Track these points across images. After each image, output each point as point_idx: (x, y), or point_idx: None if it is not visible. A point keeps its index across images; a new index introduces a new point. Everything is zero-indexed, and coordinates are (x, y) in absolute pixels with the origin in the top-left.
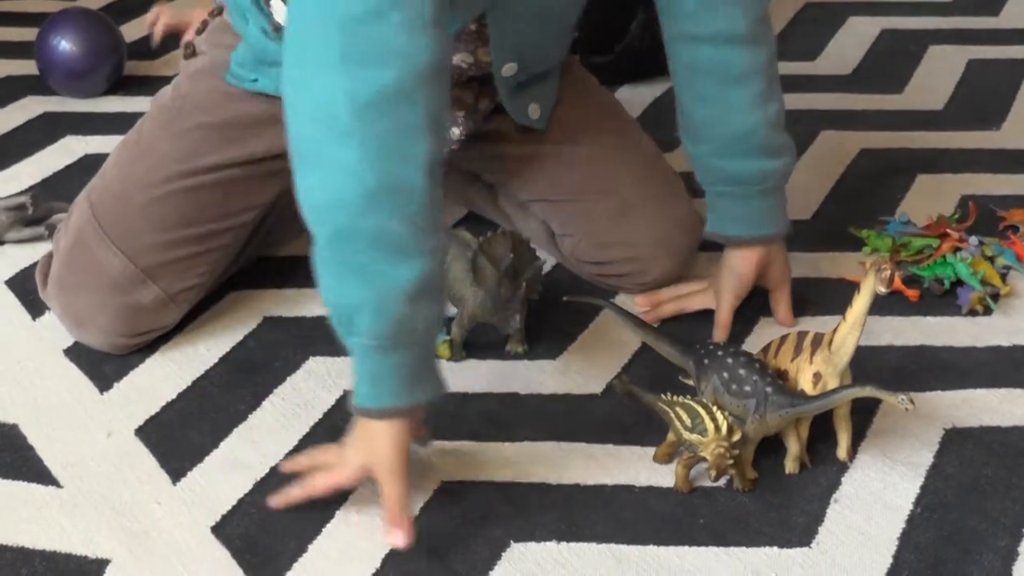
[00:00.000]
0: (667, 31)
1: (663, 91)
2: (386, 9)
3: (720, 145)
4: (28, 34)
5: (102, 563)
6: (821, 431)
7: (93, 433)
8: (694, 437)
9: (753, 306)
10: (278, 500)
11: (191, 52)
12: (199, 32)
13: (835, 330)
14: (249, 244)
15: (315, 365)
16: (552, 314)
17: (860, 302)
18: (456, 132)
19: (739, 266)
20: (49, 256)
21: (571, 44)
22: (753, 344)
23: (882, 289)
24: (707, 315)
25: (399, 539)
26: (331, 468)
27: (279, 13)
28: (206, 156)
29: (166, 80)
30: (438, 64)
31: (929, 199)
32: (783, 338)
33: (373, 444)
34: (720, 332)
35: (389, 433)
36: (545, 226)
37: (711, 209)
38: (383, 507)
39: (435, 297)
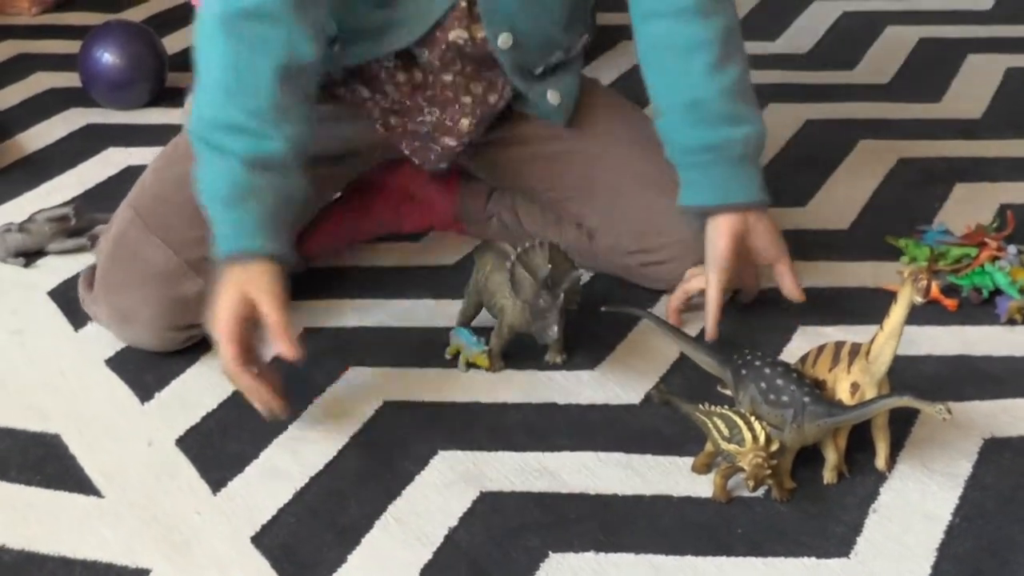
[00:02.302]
0: (631, 10)
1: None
2: None
3: (679, 115)
4: (72, 47)
5: (143, 573)
6: (859, 441)
7: (134, 443)
8: (732, 447)
9: (792, 314)
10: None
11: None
12: None
13: (872, 340)
14: None
15: (355, 375)
16: (590, 324)
17: (897, 312)
18: (466, 123)
19: (714, 239)
20: (92, 268)
21: (581, 44)
22: (790, 354)
23: (919, 299)
24: (745, 326)
25: (288, 351)
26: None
27: None
28: None
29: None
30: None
31: (967, 208)
32: (821, 348)
33: (244, 276)
34: (709, 317)
35: (257, 270)
36: (579, 230)
37: (682, 184)
38: (269, 332)
39: (283, 173)
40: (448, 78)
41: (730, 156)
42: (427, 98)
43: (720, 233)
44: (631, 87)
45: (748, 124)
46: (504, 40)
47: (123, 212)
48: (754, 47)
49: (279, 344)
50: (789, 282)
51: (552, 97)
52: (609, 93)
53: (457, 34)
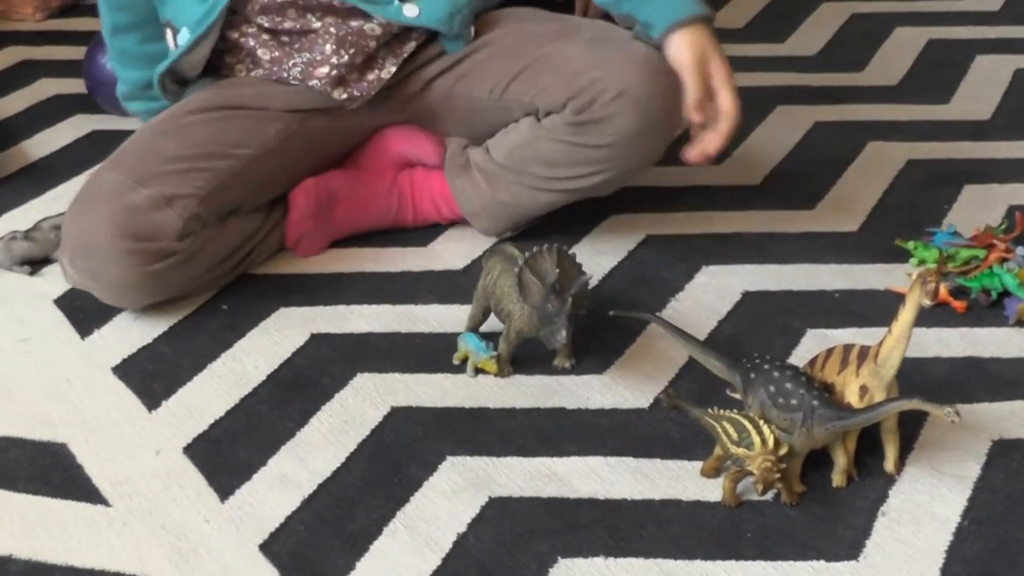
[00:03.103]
0: None
1: None
2: None
3: None
4: (77, 53)
5: None
6: (868, 444)
7: (142, 451)
8: (741, 451)
9: (800, 318)
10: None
11: None
12: None
13: (881, 343)
14: (235, 254)
15: (363, 381)
16: (599, 329)
17: (905, 315)
18: (328, 49)
19: (677, 56)
20: None
21: None
22: (800, 357)
23: (927, 302)
24: (754, 329)
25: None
26: None
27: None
28: (187, 107)
29: None
30: None
31: (976, 210)
32: (829, 351)
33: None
34: (695, 106)
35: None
36: (532, 120)
37: (644, 19)
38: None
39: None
40: (292, 12)
41: None
42: (295, 48)
43: (681, 48)
44: None
45: None
46: None
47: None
48: (763, 49)
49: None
50: (725, 129)
51: (409, 11)
52: (516, 7)
53: None
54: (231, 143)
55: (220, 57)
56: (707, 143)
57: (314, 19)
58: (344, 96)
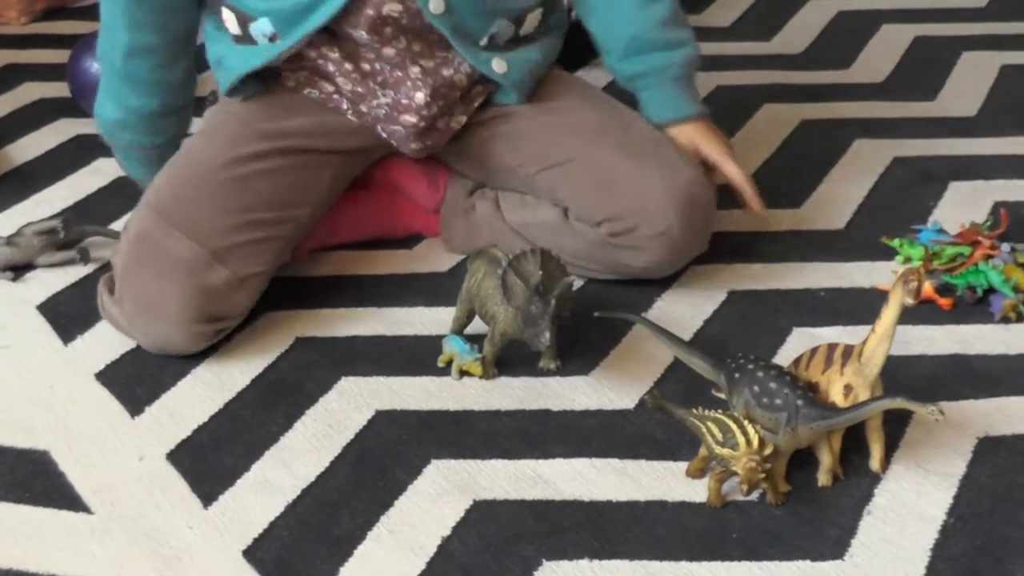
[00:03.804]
0: None
1: None
2: None
3: (621, 51)
4: (61, 56)
5: None
6: (854, 442)
7: (124, 457)
8: (726, 451)
9: (787, 316)
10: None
11: (214, 98)
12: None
13: (865, 342)
14: None
15: (347, 385)
16: (584, 330)
17: (888, 314)
18: (420, 97)
19: (675, 133)
20: (110, 276)
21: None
22: (785, 357)
23: (909, 300)
24: (739, 329)
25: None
26: None
27: (230, 23)
28: (244, 145)
29: (197, 101)
30: None
31: (962, 207)
32: (814, 350)
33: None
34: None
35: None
36: (556, 210)
37: (641, 105)
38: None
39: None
40: (391, 52)
41: (672, 76)
42: (378, 82)
43: (680, 138)
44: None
45: (683, 47)
46: (436, 5)
47: (141, 213)
48: (749, 47)
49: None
50: (746, 190)
51: (498, 66)
52: (581, 83)
53: (390, 8)
54: (291, 202)
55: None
56: (750, 202)
57: (408, 60)
58: (419, 146)
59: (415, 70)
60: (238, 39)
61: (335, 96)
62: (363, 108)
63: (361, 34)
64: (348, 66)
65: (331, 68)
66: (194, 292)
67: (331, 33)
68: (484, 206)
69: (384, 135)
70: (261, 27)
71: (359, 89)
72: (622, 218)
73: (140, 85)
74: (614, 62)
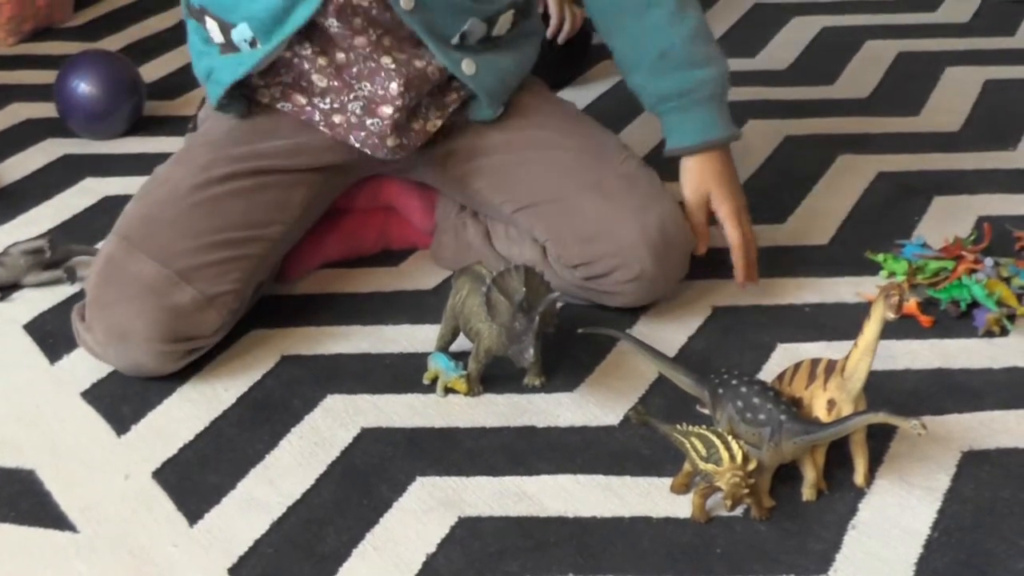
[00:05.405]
0: None
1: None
2: None
3: (648, 67)
4: (48, 77)
5: None
6: (838, 457)
7: (110, 476)
8: (709, 467)
9: (770, 332)
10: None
11: (193, 127)
12: (198, 109)
13: (847, 356)
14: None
15: (333, 403)
16: (569, 346)
17: (870, 328)
18: (394, 88)
19: (690, 172)
20: (82, 304)
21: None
22: (769, 372)
23: (891, 315)
24: (723, 344)
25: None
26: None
27: (214, 32)
28: (214, 169)
29: (185, 119)
30: None
31: (945, 221)
32: (797, 365)
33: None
34: (700, 242)
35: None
36: (536, 246)
37: (664, 131)
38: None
39: None
40: (362, 41)
41: (703, 96)
42: (353, 74)
43: (685, 181)
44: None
45: (714, 64)
46: (406, 1)
47: (109, 240)
48: (734, 64)
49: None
50: (739, 261)
51: (467, 67)
52: (558, 102)
53: None
54: (262, 221)
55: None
56: (737, 273)
57: (380, 51)
58: (395, 143)
59: (387, 60)
60: (223, 48)
61: (307, 108)
62: (336, 119)
63: (332, 21)
64: (322, 61)
65: (306, 66)
66: (160, 312)
67: (304, 30)
68: (475, 231)
69: (358, 144)
70: (241, 32)
71: (335, 83)
72: (596, 262)
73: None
74: (641, 81)
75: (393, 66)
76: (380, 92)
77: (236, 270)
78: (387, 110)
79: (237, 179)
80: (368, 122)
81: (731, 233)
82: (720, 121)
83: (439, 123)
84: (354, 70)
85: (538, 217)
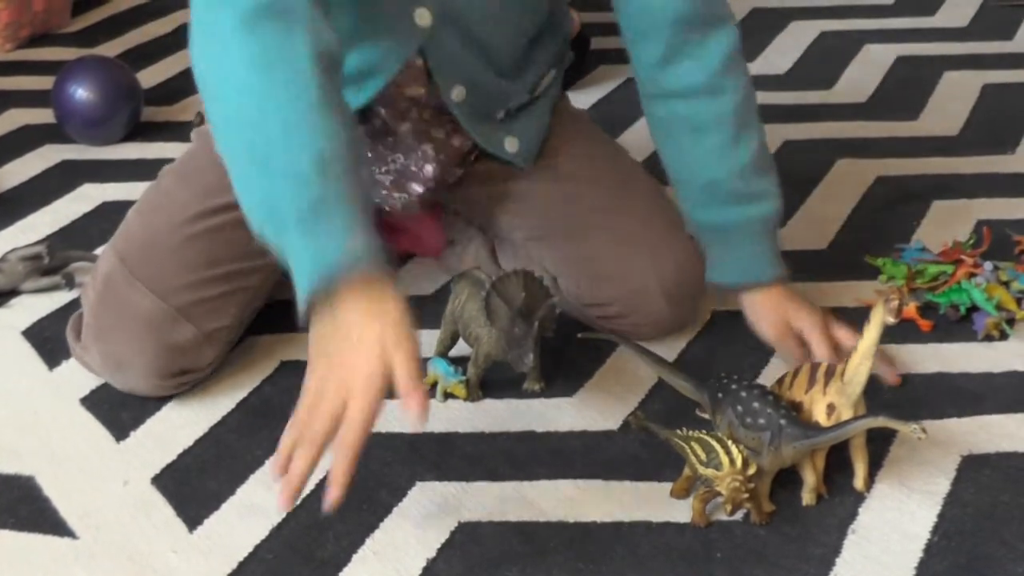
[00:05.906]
0: (640, 89)
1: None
2: None
3: (695, 193)
4: (45, 83)
5: None
6: (838, 461)
7: (109, 482)
8: (709, 471)
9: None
10: (329, 500)
11: (200, 120)
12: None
13: (847, 361)
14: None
15: None
16: (568, 351)
17: (870, 333)
18: (429, 169)
19: (756, 305)
20: (77, 316)
21: (561, 80)
22: (769, 377)
23: (891, 319)
24: (721, 348)
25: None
26: (324, 407)
27: None
28: (219, 196)
29: (183, 125)
30: None
31: (944, 225)
32: (797, 370)
33: (368, 323)
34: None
35: (360, 304)
36: (546, 274)
37: (706, 261)
38: (397, 383)
39: (348, 168)
40: (406, 127)
41: (749, 234)
42: (388, 145)
43: (760, 317)
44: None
45: (766, 201)
46: (458, 93)
47: (108, 258)
48: None
49: (412, 404)
50: (822, 348)
51: (510, 145)
52: (583, 127)
53: (414, 90)
54: (256, 251)
55: None
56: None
57: (422, 135)
58: (414, 209)
59: (427, 146)
60: None
61: None
62: (367, 171)
63: (380, 110)
64: (361, 129)
65: None
66: (160, 349)
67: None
68: (480, 251)
69: (377, 201)
70: None
71: (368, 153)
72: (609, 305)
73: None
74: (686, 205)
75: (432, 152)
76: (413, 169)
77: (233, 304)
78: (417, 188)
79: (235, 209)
80: (396, 195)
81: (822, 349)
82: (765, 261)
83: (460, 173)
84: (390, 140)
85: (549, 248)
